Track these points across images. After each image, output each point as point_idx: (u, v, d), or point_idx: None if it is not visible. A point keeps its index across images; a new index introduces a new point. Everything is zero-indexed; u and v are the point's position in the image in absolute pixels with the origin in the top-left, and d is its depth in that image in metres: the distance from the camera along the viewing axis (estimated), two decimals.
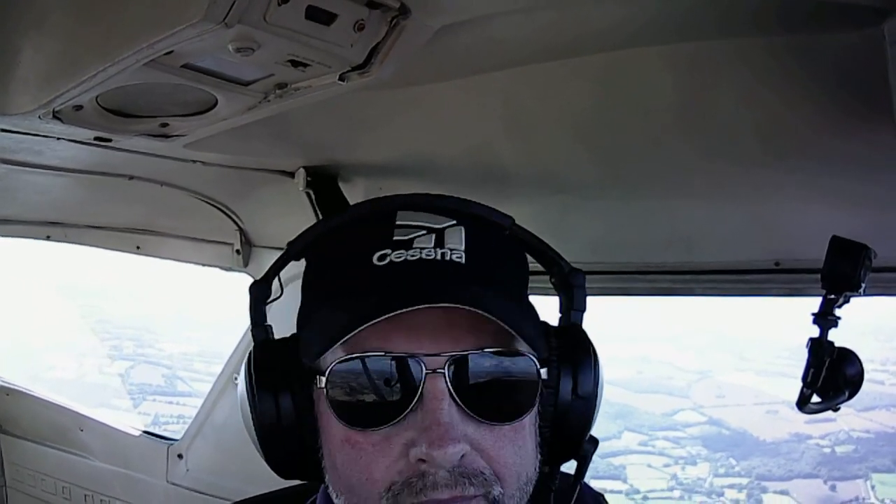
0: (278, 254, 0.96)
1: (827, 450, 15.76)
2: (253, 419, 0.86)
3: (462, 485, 0.78)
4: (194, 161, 1.83)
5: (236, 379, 2.86)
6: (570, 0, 1.10)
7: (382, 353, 0.79)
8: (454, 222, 0.88)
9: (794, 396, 1.14)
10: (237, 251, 2.42)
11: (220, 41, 1.01)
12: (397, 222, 0.87)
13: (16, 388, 3.32)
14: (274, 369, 0.86)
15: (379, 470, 0.79)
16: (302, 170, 1.95)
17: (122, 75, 1.12)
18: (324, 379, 0.81)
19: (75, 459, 3.07)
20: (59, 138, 1.51)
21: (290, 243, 0.96)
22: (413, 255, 0.83)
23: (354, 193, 1.98)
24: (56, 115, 1.33)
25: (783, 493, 15.32)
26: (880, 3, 0.94)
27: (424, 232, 0.86)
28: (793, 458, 15.91)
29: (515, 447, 0.84)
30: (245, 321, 2.37)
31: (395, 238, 0.85)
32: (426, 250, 0.84)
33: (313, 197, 2.02)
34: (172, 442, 2.75)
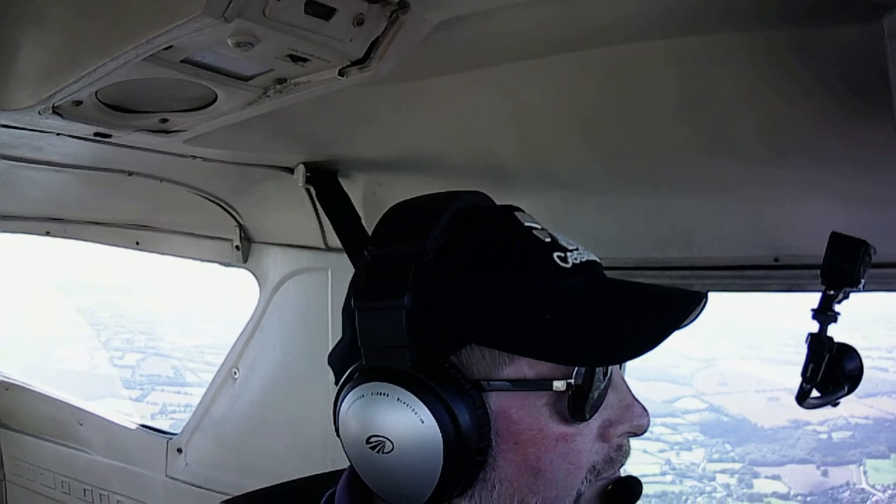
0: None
1: (823, 436, 15.74)
2: (444, 433, 0.77)
3: None
4: (194, 157, 1.83)
5: (236, 374, 2.84)
6: None
7: None
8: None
9: (797, 383, 1.15)
10: (237, 247, 2.42)
11: (219, 36, 1.01)
12: (525, 223, 0.86)
13: (15, 382, 3.32)
14: (459, 378, 0.79)
15: (585, 455, 0.83)
16: (301, 165, 1.95)
17: (122, 70, 1.12)
18: (563, 384, 0.79)
19: (74, 454, 3.08)
20: (58, 134, 1.51)
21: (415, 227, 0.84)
22: (582, 256, 0.85)
23: (354, 189, 1.98)
24: (56, 111, 1.32)
25: (775, 477, 15.36)
26: None
27: (548, 232, 0.86)
28: (788, 444, 15.92)
29: None
30: (245, 316, 2.36)
31: (545, 240, 0.84)
32: (580, 249, 0.86)
33: (313, 193, 2.02)
34: (171, 436, 2.75)
